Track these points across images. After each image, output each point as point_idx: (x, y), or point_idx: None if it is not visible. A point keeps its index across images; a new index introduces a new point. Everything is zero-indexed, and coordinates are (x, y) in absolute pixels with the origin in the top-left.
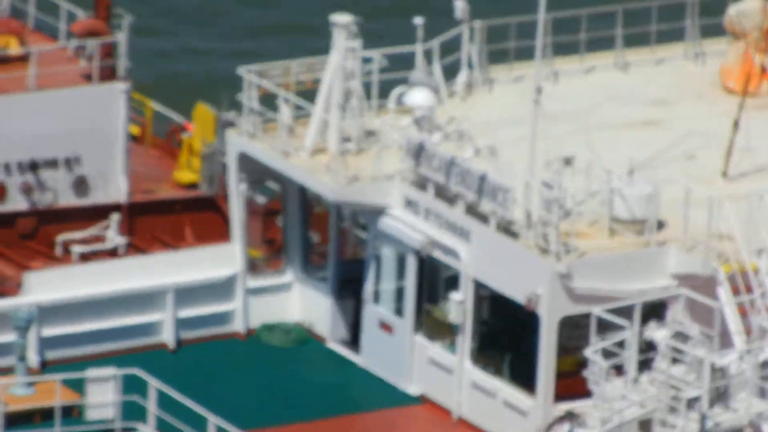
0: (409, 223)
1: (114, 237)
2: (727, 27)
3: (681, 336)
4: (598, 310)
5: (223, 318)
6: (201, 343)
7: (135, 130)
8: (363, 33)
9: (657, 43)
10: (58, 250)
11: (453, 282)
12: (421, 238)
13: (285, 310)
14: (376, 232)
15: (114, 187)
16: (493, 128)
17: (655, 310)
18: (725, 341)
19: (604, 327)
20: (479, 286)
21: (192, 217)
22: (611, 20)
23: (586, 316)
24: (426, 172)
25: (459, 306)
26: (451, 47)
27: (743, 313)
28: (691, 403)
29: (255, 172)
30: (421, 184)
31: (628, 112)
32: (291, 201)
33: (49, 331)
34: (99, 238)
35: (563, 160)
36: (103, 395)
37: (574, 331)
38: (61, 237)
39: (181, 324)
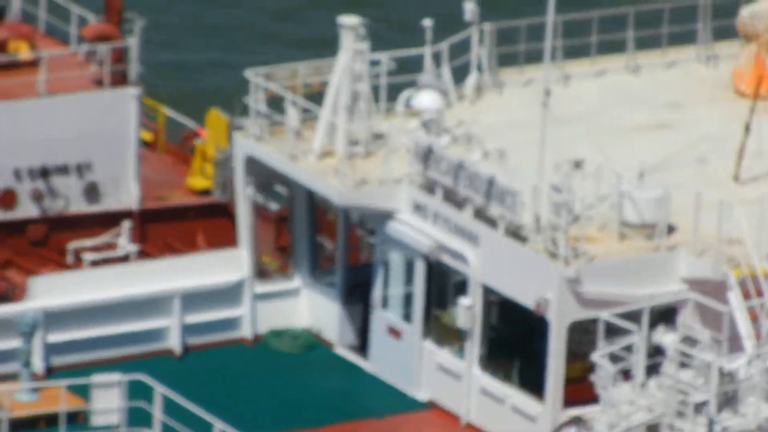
0: (417, 228)
1: (125, 244)
2: (739, 29)
3: (689, 340)
4: (606, 315)
5: (230, 324)
6: (208, 349)
7: (148, 136)
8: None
9: (668, 45)
10: (69, 258)
11: (462, 287)
12: (429, 242)
13: (293, 315)
14: (384, 237)
15: (125, 193)
16: (502, 132)
17: (665, 315)
18: (736, 346)
19: (614, 332)
20: (488, 291)
21: (205, 223)
22: (622, 23)
23: (596, 322)
24: (434, 175)
25: (467, 311)
26: (460, 50)
27: (754, 317)
28: (699, 407)
29: (262, 175)
30: (430, 187)
31: (640, 115)
32: (298, 205)
33: (55, 337)
34: (110, 246)
35: (573, 163)
36: (108, 401)
37: (583, 336)
38: (73, 244)
39: (188, 330)
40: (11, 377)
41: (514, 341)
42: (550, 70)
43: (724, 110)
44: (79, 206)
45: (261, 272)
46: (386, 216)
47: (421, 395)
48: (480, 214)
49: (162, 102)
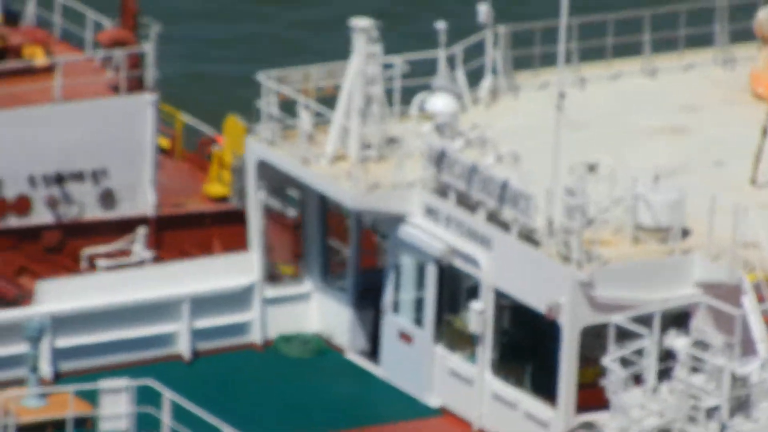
0: (429, 231)
1: (141, 251)
2: (756, 32)
3: (701, 344)
4: (618, 319)
5: (240, 328)
6: (217, 354)
7: (165, 143)
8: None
9: (685, 48)
10: (84, 265)
11: (474, 292)
12: (441, 246)
13: (303, 320)
14: (396, 241)
15: (141, 200)
16: (517, 135)
17: (679, 320)
18: (750, 350)
19: (627, 336)
20: (500, 295)
21: (221, 230)
22: (639, 25)
23: (609, 326)
24: (447, 179)
25: (479, 316)
26: (475, 53)
27: None
28: (711, 412)
29: (274, 179)
30: (443, 191)
31: (656, 118)
32: (310, 209)
33: (63, 342)
34: (125, 253)
35: (587, 166)
36: (116, 407)
37: (596, 341)
38: (87, 251)
39: (197, 334)
40: (19, 382)
41: (527, 346)
42: (564, 73)
43: (741, 113)
44: (95, 213)
45: (271, 276)
46: (398, 220)
47: (433, 401)
48: (493, 218)
49: (179, 108)
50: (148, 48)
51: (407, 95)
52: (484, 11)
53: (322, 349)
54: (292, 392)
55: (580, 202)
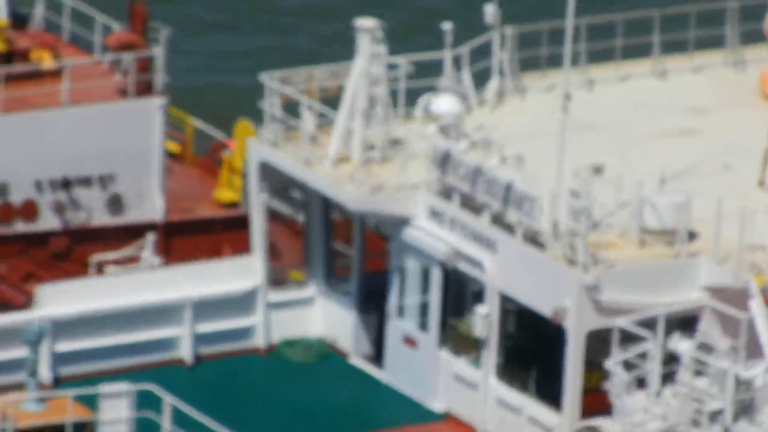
0: (433, 234)
1: (149, 257)
2: (767, 33)
3: (706, 347)
4: (622, 322)
5: (243, 333)
6: (220, 359)
7: (175, 148)
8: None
9: (695, 49)
10: (92, 271)
11: (480, 295)
12: (446, 248)
13: (307, 324)
14: (400, 243)
15: (150, 205)
16: (524, 137)
17: (686, 323)
18: (757, 354)
19: (633, 340)
20: (505, 298)
21: (231, 236)
22: (648, 26)
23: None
24: (452, 181)
25: (484, 319)
26: (482, 54)
27: None
28: (714, 416)
29: (277, 181)
30: (447, 193)
31: (665, 121)
32: (313, 212)
33: (63, 346)
34: (134, 259)
35: (593, 168)
36: (116, 412)
37: (602, 345)
38: (95, 257)
39: (200, 339)
40: (18, 387)
41: (532, 350)
42: (570, 74)
43: (751, 115)
44: (102, 218)
45: (280, 281)
46: (402, 222)
47: (437, 405)
48: (497, 220)
49: (190, 113)
50: (158, 52)
51: (413, 96)
52: (490, 12)
53: (326, 354)
54: (296, 397)
55: (585, 205)
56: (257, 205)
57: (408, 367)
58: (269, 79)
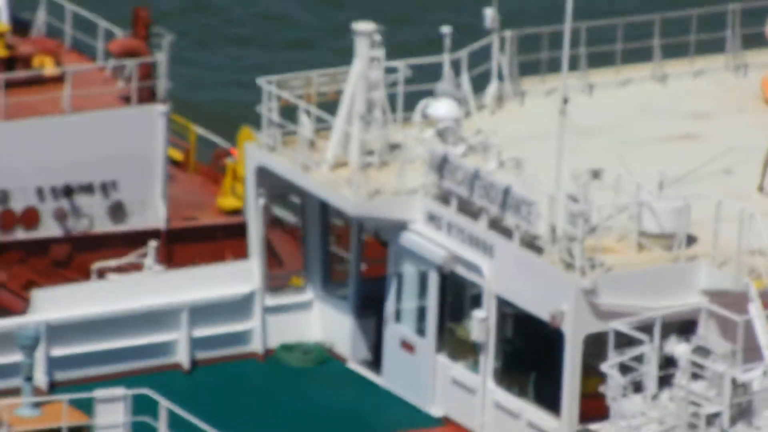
0: (431, 239)
1: (152, 265)
2: None
3: (703, 351)
4: (620, 326)
5: (240, 337)
6: (217, 364)
7: (178, 155)
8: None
9: (696, 54)
10: (93, 279)
11: (477, 300)
12: (443, 253)
13: (305, 329)
14: (398, 248)
15: (152, 212)
16: (523, 142)
17: (686, 327)
18: (757, 358)
19: (631, 344)
20: (503, 303)
21: (233, 244)
22: (649, 31)
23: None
24: (449, 185)
25: (481, 324)
26: (482, 58)
27: None
28: (711, 419)
29: (274, 186)
30: (444, 198)
31: (666, 125)
32: (311, 216)
33: (58, 351)
34: (136, 266)
35: (591, 172)
36: (112, 416)
37: (601, 350)
38: (97, 265)
39: (197, 344)
40: (14, 392)
41: (530, 355)
42: (567, 77)
43: (752, 120)
44: (104, 226)
45: (278, 287)
46: (400, 227)
47: (435, 410)
48: (495, 225)
49: (192, 120)
50: (161, 58)
51: (412, 101)
52: (490, 16)
53: (324, 359)
54: (294, 402)
55: (583, 209)
56: (254, 210)
57: (406, 372)
58: (266, 83)
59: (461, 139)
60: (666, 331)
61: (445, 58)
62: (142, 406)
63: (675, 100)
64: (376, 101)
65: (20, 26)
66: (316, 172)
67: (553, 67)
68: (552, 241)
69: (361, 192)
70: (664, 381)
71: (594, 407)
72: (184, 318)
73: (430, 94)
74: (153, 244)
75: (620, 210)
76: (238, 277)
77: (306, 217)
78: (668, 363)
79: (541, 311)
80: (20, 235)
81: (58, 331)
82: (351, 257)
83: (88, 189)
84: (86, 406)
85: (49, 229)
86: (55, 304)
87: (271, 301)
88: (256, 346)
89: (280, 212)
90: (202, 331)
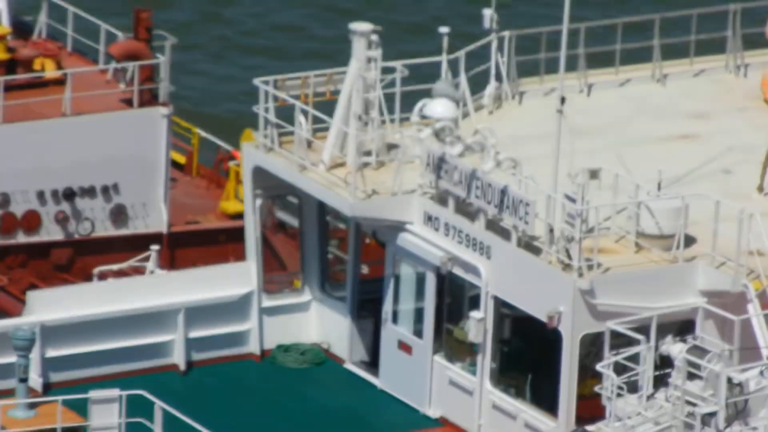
0: (428, 239)
1: (154, 269)
2: None
3: (699, 350)
4: (615, 326)
5: (236, 339)
6: (213, 365)
7: (181, 158)
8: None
9: (696, 54)
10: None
11: (475, 301)
12: (441, 254)
13: (302, 330)
14: (395, 249)
15: (154, 216)
16: (521, 142)
17: (684, 328)
18: (756, 359)
19: (628, 345)
20: (500, 303)
21: (236, 248)
22: (648, 31)
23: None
24: (446, 185)
25: (479, 324)
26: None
27: None
28: (707, 419)
29: (271, 186)
30: (442, 198)
31: (665, 126)
32: (308, 217)
33: (54, 352)
34: (138, 270)
35: (589, 172)
36: (107, 417)
37: (599, 351)
38: (98, 269)
39: (193, 345)
40: (8, 394)
41: (527, 356)
42: (567, 77)
43: (752, 120)
44: (106, 230)
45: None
46: (398, 228)
47: (432, 411)
48: (492, 225)
49: (196, 124)
50: (163, 60)
51: (410, 101)
52: (488, 16)
53: (321, 360)
54: (291, 403)
55: (580, 209)
56: (251, 210)
57: (403, 373)
58: (263, 84)
59: (458, 139)
60: (664, 332)
61: (444, 59)
62: (138, 407)
63: (675, 101)
64: (372, 101)
65: (22, 29)
66: (313, 172)
67: (552, 67)
68: (550, 241)
69: (358, 193)
70: (663, 382)
71: (592, 409)
72: (181, 319)
73: (428, 94)
74: (155, 248)
75: (618, 210)
76: (235, 278)
77: (303, 218)
78: (665, 363)
79: (539, 312)
80: (21, 238)
81: (53, 332)
82: (349, 258)
83: (89, 192)
84: (82, 408)
85: (50, 232)
86: (50, 305)
87: (268, 302)
88: (253, 347)
89: (283, 216)
90: (199, 332)
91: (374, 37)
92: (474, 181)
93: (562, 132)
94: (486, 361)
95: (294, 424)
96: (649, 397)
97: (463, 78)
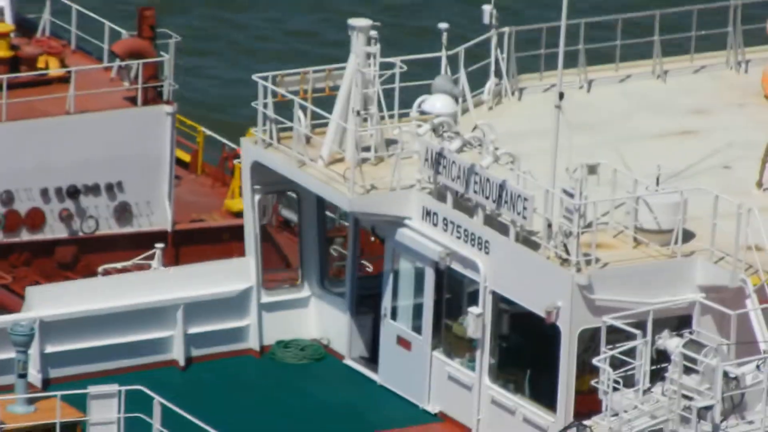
0: (427, 235)
1: (158, 267)
2: None
3: (695, 345)
4: (611, 320)
5: (236, 334)
6: (212, 361)
7: (186, 156)
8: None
9: (697, 50)
10: None
11: (474, 297)
12: (439, 249)
13: (301, 326)
14: (394, 244)
15: (159, 214)
16: (521, 138)
17: (682, 323)
18: (753, 353)
19: (628, 340)
20: (499, 299)
21: (241, 246)
22: (649, 27)
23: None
24: (445, 180)
25: (477, 320)
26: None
27: None
28: (703, 413)
29: (270, 182)
30: (440, 193)
31: (665, 121)
32: (307, 213)
33: (53, 348)
34: (142, 268)
35: (587, 168)
36: (106, 413)
37: (597, 347)
38: (103, 267)
39: (192, 340)
40: (7, 389)
41: (526, 351)
42: (566, 73)
43: (752, 116)
44: (110, 227)
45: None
46: (396, 223)
47: (431, 407)
48: (491, 221)
49: (201, 122)
50: (167, 58)
51: (410, 96)
52: (488, 12)
53: (320, 356)
54: (290, 399)
55: (578, 204)
56: (250, 206)
57: (402, 369)
58: (261, 80)
59: (457, 135)
60: (662, 327)
61: (443, 55)
62: (137, 402)
63: (675, 97)
64: (371, 97)
65: (25, 26)
66: (311, 168)
67: (552, 64)
68: (548, 236)
69: (356, 188)
70: (660, 376)
71: (590, 404)
72: (180, 315)
73: (427, 90)
74: (159, 246)
75: (617, 205)
76: (234, 274)
77: (302, 214)
78: (662, 358)
79: (537, 307)
80: (25, 236)
81: (52, 328)
82: (348, 254)
83: (93, 190)
84: (81, 403)
85: (54, 230)
86: (49, 300)
87: (268, 297)
88: (252, 342)
89: (287, 213)
90: (198, 328)
91: (373, 33)
92: (472, 176)
93: (561, 127)
94: (485, 357)
95: (293, 419)
96: (646, 391)
97: (462, 74)
